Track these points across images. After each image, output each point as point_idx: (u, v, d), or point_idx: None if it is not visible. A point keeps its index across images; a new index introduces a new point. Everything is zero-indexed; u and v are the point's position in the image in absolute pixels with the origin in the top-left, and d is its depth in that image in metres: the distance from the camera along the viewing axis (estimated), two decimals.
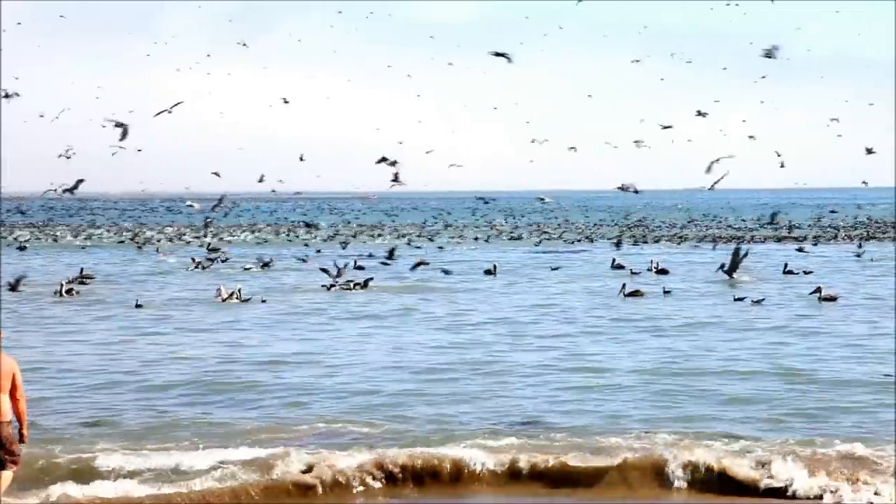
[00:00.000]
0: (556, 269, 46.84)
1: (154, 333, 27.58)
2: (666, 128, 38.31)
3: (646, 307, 32.75)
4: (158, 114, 31.25)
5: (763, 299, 33.63)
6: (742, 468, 14.33)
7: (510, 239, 72.55)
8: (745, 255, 42.38)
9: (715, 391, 19.52)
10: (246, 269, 47.12)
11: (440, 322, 29.92)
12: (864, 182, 39.70)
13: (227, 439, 15.87)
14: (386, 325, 29.24)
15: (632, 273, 43.66)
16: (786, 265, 44.83)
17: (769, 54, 27.22)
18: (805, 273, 42.99)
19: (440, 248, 62.22)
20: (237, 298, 34.43)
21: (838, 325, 28.52)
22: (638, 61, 53.00)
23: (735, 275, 39.91)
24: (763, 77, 47.00)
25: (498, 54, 27.45)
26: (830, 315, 30.55)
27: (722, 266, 42.04)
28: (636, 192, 34.38)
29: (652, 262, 46.36)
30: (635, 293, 35.80)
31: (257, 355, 23.89)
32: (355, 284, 38.40)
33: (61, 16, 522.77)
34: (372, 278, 39.62)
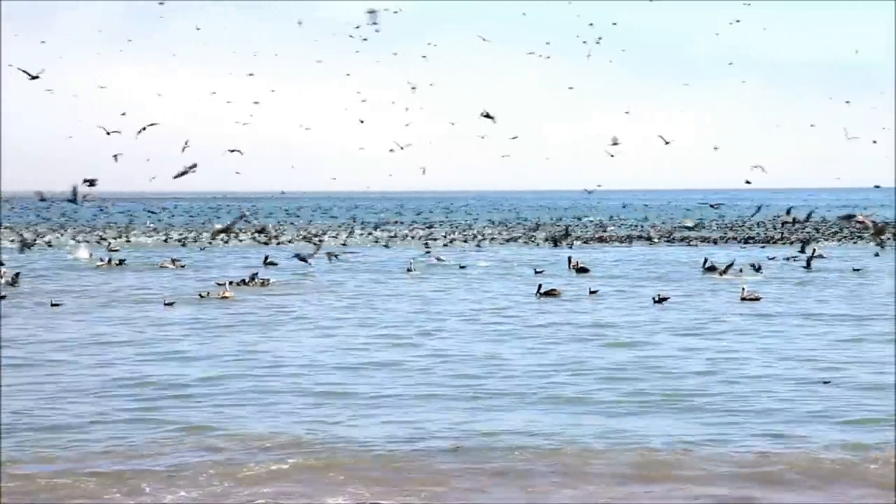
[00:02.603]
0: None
1: None
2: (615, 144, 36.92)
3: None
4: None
5: (668, 298, 32.17)
6: None
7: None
8: None
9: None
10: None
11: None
12: (838, 178, 39.22)
13: None
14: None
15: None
16: (706, 261, 43.52)
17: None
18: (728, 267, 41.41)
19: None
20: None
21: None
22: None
23: None
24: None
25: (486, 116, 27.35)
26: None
27: None
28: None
29: (570, 259, 44.79)
30: (551, 293, 34.32)
31: None
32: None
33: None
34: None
